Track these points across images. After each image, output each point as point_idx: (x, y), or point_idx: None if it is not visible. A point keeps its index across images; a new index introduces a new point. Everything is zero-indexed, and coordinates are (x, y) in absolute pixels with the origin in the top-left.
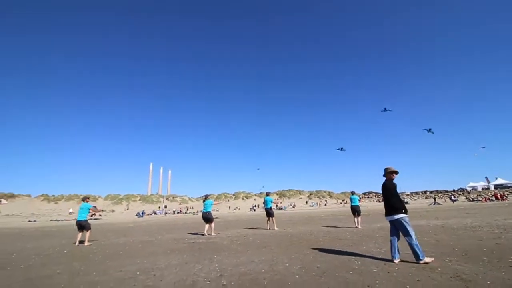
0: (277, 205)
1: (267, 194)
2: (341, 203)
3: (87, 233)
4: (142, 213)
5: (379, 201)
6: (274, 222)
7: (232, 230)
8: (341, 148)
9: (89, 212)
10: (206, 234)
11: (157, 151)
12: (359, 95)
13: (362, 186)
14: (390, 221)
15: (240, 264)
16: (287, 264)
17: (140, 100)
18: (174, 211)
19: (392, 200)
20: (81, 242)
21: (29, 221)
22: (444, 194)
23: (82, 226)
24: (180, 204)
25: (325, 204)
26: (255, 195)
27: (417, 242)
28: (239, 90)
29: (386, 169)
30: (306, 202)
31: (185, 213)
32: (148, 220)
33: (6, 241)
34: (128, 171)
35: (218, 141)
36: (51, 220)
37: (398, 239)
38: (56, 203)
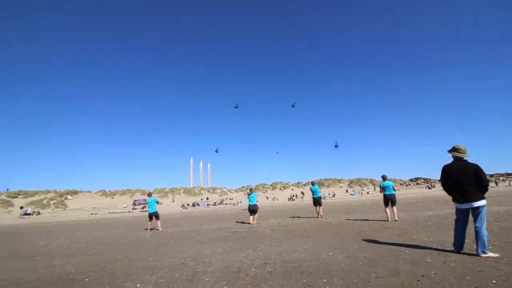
0: None
1: (313, 183)
2: None
3: (158, 222)
4: (187, 205)
5: (429, 188)
6: (322, 210)
7: (272, 220)
8: (336, 145)
9: (156, 204)
10: (252, 223)
11: (196, 146)
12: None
13: (408, 172)
14: (464, 209)
15: (283, 252)
16: (331, 253)
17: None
18: (215, 203)
19: (473, 184)
20: (151, 229)
21: (91, 214)
22: (507, 177)
23: (156, 216)
24: (220, 195)
25: (368, 193)
26: (292, 185)
27: (486, 233)
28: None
29: (457, 148)
30: (347, 190)
31: (226, 204)
32: (193, 211)
33: (74, 232)
34: (171, 165)
35: (253, 132)
36: (109, 213)
37: (466, 228)
38: (112, 197)
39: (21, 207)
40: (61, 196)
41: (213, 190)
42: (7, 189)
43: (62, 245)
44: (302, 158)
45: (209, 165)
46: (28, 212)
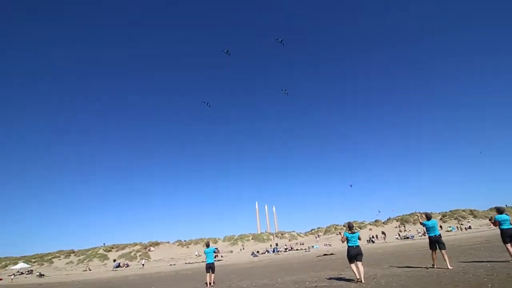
0: (399, 234)
1: (428, 217)
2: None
3: (213, 275)
4: (257, 252)
5: None
6: (446, 256)
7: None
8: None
9: (214, 254)
10: (209, 283)
11: (260, 190)
12: None
13: None
14: None
15: None
16: None
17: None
18: (286, 249)
19: None
20: (211, 283)
21: (170, 265)
22: None
23: (212, 268)
24: (289, 240)
25: (469, 227)
26: (369, 223)
27: None
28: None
29: None
30: (441, 226)
31: (296, 250)
32: (263, 260)
33: (158, 284)
34: (237, 211)
35: (318, 171)
36: (185, 263)
37: None
38: (187, 247)
39: (114, 260)
40: (145, 248)
41: (282, 234)
42: (104, 244)
43: None
44: (376, 191)
45: (274, 208)
46: (119, 265)
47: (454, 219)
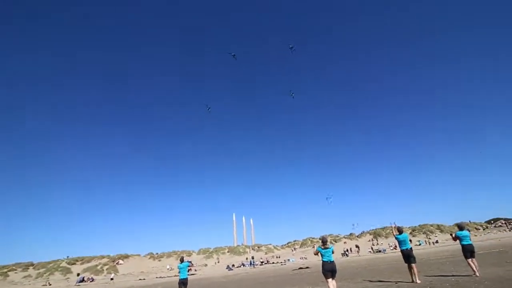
0: (372, 248)
1: (400, 231)
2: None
3: None
4: (232, 266)
5: None
6: (415, 270)
7: (342, 283)
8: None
9: (188, 269)
10: None
11: (238, 202)
12: None
13: (482, 212)
14: None
15: None
16: None
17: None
18: (262, 262)
19: None
20: None
21: (140, 279)
22: None
23: (185, 283)
24: (266, 253)
25: (436, 242)
26: (344, 237)
27: None
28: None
29: None
30: (410, 240)
31: (273, 263)
32: (238, 273)
33: None
34: (213, 223)
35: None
36: (156, 277)
37: None
38: (159, 260)
39: (78, 274)
40: (113, 261)
41: (258, 247)
42: (67, 256)
43: None
44: (358, 204)
45: (251, 220)
46: (83, 279)
47: (423, 233)
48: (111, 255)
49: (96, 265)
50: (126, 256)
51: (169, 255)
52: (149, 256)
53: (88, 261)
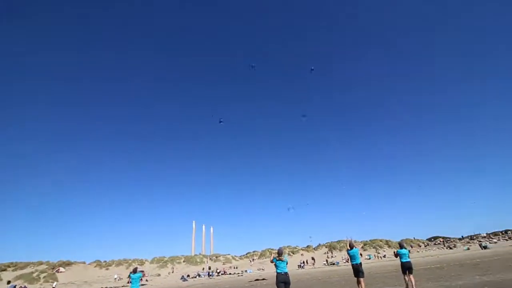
0: (327, 260)
1: (351, 246)
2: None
3: None
4: (187, 276)
5: (450, 248)
6: (363, 284)
7: None
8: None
9: (140, 280)
10: None
11: (198, 209)
12: None
13: (424, 230)
14: None
15: None
16: None
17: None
18: (218, 272)
19: None
20: None
21: None
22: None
23: None
24: (223, 264)
25: (384, 256)
26: (301, 249)
27: None
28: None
29: None
30: (361, 254)
31: (230, 274)
32: (193, 284)
33: None
34: (171, 230)
35: (258, 192)
36: None
37: None
38: (107, 269)
39: (8, 282)
40: (53, 269)
41: (216, 257)
42: None
43: None
44: (315, 218)
45: (212, 229)
46: None
47: (373, 247)
48: (51, 261)
49: (32, 272)
50: (68, 263)
51: (118, 263)
52: (95, 264)
53: (22, 268)
